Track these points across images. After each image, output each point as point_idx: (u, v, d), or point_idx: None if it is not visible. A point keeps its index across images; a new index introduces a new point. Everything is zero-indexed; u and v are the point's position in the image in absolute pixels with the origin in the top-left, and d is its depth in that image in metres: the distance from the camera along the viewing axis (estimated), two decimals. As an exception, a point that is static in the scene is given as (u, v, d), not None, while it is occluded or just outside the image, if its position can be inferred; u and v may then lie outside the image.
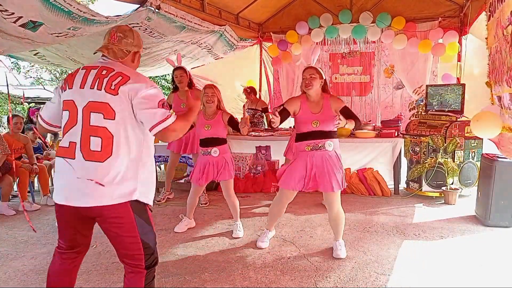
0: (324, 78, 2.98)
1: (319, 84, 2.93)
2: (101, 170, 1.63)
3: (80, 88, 1.71)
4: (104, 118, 1.65)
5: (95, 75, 1.72)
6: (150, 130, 1.69)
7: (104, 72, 1.72)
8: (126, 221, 1.70)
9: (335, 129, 2.95)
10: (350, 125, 2.82)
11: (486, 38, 3.38)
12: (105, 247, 3.32)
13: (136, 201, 1.72)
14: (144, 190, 1.76)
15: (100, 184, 1.62)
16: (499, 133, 2.88)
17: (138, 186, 1.72)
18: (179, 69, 4.39)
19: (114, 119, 1.66)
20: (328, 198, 3.00)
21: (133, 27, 3.90)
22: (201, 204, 4.50)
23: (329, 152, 2.91)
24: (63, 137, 1.72)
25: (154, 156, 6.13)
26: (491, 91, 3.37)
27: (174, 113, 3.26)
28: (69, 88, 1.75)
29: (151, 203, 1.83)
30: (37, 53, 4.31)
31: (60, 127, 1.83)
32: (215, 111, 3.45)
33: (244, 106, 6.06)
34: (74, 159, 1.66)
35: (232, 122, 3.43)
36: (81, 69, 1.78)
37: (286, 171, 3.04)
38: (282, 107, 3.00)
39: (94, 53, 1.82)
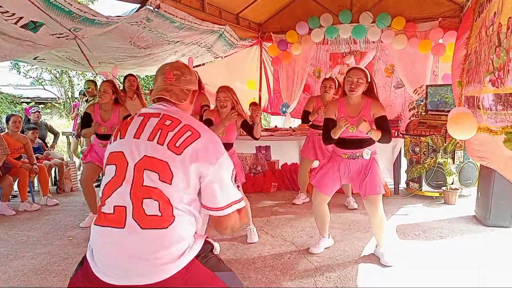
0: (369, 81, 2.81)
1: (363, 89, 2.78)
2: (164, 239, 1.29)
3: (134, 137, 1.37)
4: (159, 180, 1.31)
5: (156, 124, 1.38)
6: (203, 207, 1.37)
7: (168, 122, 1.38)
8: (205, 279, 1.35)
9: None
10: (376, 136, 2.73)
11: (467, 38, 3.36)
12: (105, 247, 3.32)
13: (201, 251, 1.38)
14: (201, 234, 1.43)
15: (161, 258, 1.28)
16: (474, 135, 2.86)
17: (197, 237, 1.39)
18: None
19: (170, 183, 1.31)
20: (372, 202, 2.85)
21: (132, 25, 3.91)
22: None
23: (366, 160, 2.85)
24: (103, 199, 1.36)
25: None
26: (461, 91, 3.36)
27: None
28: (120, 138, 1.40)
29: (213, 243, 1.48)
30: (37, 56, 4.33)
31: None
32: None
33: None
34: (123, 228, 1.29)
35: (246, 126, 3.26)
36: (138, 116, 1.44)
37: (321, 174, 2.96)
38: (328, 119, 2.88)
39: (153, 101, 1.51)
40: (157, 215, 1.29)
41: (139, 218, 1.29)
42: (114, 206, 1.31)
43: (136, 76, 5.25)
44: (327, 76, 4.34)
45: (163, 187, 1.30)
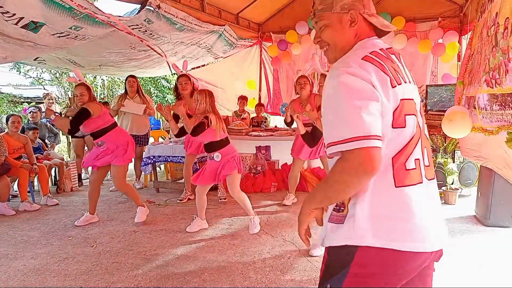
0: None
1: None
2: (437, 192, 1.22)
3: (405, 82, 1.18)
4: (422, 124, 1.22)
5: (399, 62, 1.21)
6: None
7: (394, 57, 1.21)
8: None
9: None
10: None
11: (471, 38, 3.37)
12: (105, 247, 3.32)
13: None
14: None
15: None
16: (468, 133, 2.87)
17: None
18: (183, 76, 4.35)
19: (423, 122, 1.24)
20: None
21: (133, 29, 3.91)
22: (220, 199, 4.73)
23: None
24: (407, 154, 1.13)
25: (154, 156, 6.01)
26: (462, 91, 3.37)
27: None
28: (404, 82, 1.17)
29: None
30: (37, 57, 4.33)
31: None
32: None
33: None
34: (422, 183, 1.15)
35: (196, 126, 3.33)
36: (382, 55, 1.17)
37: None
38: None
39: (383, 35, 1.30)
40: (429, 166, 1.21)
41: (425, 168, 1.18)
42: (415, 159, 1.15)
43: (136, 77, 5.28)
44: (300, 74, 4.45)
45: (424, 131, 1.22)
